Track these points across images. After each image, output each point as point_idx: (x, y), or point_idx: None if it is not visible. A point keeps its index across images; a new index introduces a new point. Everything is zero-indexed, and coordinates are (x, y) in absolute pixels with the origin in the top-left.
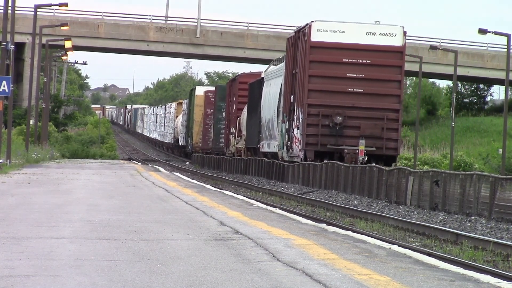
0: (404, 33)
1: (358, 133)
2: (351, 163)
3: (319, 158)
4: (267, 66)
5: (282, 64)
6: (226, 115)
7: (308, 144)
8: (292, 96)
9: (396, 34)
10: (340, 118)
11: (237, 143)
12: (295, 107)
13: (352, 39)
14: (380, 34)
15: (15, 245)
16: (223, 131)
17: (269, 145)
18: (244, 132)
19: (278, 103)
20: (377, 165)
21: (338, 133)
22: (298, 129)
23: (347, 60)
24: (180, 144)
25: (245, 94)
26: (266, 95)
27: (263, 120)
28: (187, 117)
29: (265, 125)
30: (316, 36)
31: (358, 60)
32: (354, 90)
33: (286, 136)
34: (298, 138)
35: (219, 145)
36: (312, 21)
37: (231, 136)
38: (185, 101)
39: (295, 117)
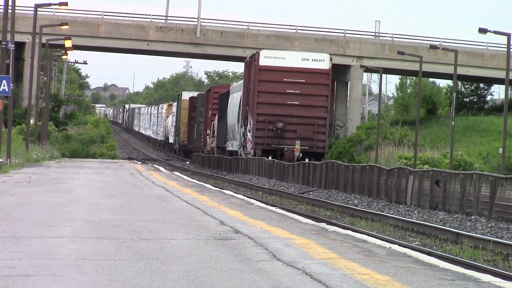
0: (331, 59)
1: (295, 136)
2: (289, 158)
3: (265, 154)
4: (234, 80)
5: (242, 81)
6: (204, 119)
7: (257, 144)
8: (247, 107)
9: (324, 59)
10: (281, 124)
11: (211, 143)
12: (248, 115)
13: (290, 64)
14: (312, 59)
15: (15, 245)
16: (203, 132)
17: (232, 145)
18: (216, 134)
19: (238, 111)
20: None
21: (280, 135)
22: (250, 132)
23: (286, 79)
24: (170, 141)
25: (217, 102)
26: (231, 105)
27: (229, 125)
28: (176, 118)
29: (230, 129)
30: (263, 61)
31: (295, 80)
32: (292, 102)
33: (243, 138)
34: (250, 139)
35: (200, 144)
36: (260, 50)
37: (207, 137)
38: (175, 103)
39: (248, 123)
